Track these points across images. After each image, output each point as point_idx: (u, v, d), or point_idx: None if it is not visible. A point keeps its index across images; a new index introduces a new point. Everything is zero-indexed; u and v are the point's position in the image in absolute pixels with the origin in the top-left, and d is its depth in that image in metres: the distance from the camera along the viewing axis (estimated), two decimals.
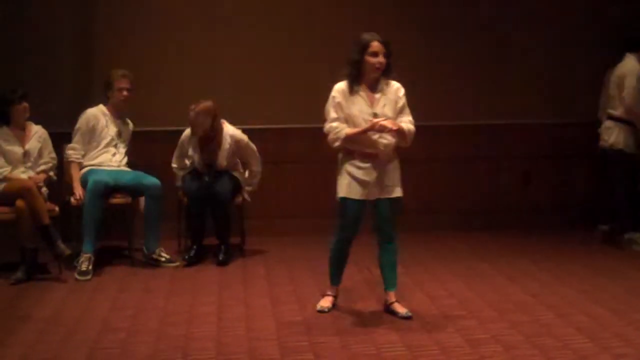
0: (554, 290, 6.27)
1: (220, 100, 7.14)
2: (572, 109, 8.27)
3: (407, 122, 5.46)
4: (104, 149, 7.03)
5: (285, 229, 8.06)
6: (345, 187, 5.46)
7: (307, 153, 8.01)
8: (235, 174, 7.19)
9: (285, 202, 8.12)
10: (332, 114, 5.41)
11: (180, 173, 7.17)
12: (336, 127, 5.39)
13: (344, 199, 5.47)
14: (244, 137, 7.13)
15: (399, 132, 5.39)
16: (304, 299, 6.03)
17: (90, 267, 6.57)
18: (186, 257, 7.01)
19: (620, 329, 5.38)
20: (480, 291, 6.17)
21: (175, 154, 7.18)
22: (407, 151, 5.60)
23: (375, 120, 5.30)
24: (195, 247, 7.07)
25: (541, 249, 7.58)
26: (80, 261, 6.58)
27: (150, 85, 7.62)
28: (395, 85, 5.48)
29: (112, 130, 7.05)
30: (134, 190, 6.92)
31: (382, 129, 5.30)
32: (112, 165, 7.00)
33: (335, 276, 5.79)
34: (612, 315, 5.64)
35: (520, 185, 8.41)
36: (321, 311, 5.69)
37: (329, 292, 5.82)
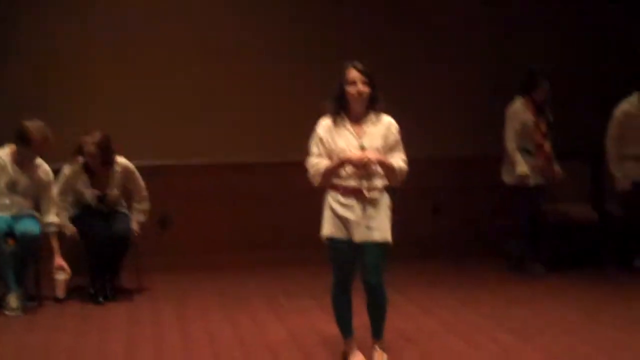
0: (463, 318, 6.31)
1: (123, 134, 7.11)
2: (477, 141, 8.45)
3: (397, 159, 5.07)
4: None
5: (194, 264, 7.98)
6: (328, 225, 5.06)
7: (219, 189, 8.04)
8: (122, 209, 7.10)
9: (196, 236, 8.06)
10: (313, 149, 5.06)
11: (66, 212, 6.95)
12: (316, 164, 5.03)
13: (328, 238, 5.07)
14: (130, 164, 7.03)
15: (386, 168, 5.01)
16: (216, 335, 5.94)
17: (19, 304, 6.50)
18: (100, 299, 6.82)
19: (527, 355, 5.43)
20: (391, 321, 6.12)
21: (59, 189, 6.88)
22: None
23: (353, 154, 4.95)
24: (106, 284, 6.92)
25: (453, 279, 7.64)
26: (8, 299, 6.51)
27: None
28: (387, 119, 5.09)
29: (5, 177, 6.72)
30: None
31: (361, 162, 4.93)
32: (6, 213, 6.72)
33: (345, 328, 5.25)
34: (519, 342, 5.69)
35: (430, 214, 8.51)
36: None
37: (349, 349, 5.26)
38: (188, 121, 7.93)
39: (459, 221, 8.58)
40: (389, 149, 5.08)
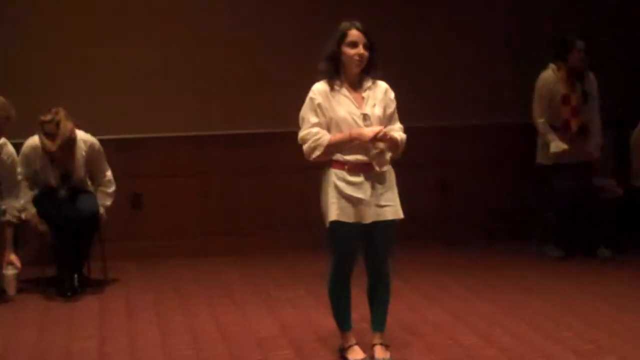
0: (477, 309, 6.38)
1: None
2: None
3: (398, 130, 5.12)
4: None
5: (166, 251, 8.03)
6: (334, 207, 4.99)
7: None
8: (87, 188, 7.12)
9: (168, 219, 8.11)
10: (312, 118, 5.00)
11: (32, 192, 6.97)
12: (316, 133, 4.98)
13: (334, 223, 5.01)
14: (96, 141, 7.05)
15: (393, 141, 5.04)
16: (198, 329, 5.99)
17: None
18: (68, 292, 6.84)
19: (547, 349, 5.48)
20: (393, 311, 6.22)
21: (24, 171, 6.91)
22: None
23: (366, 130, 4.94)
24: (74, 274, 6.95)
25: (460, 263, 7.72)
26: None
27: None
28: (383, 85, 5.14)
29: None
30: None
31: (377, 138, 4.93)
32: None
33: (343, 321, 5.27)
34: (537, 334, 5.75)
35: (437, 192, 8.57)
36: None
37: (347, 343, 5.28)
38: (161, 90, 7.95)
39: (469, 199, 8.65)
40: (388, 118, 5.13)
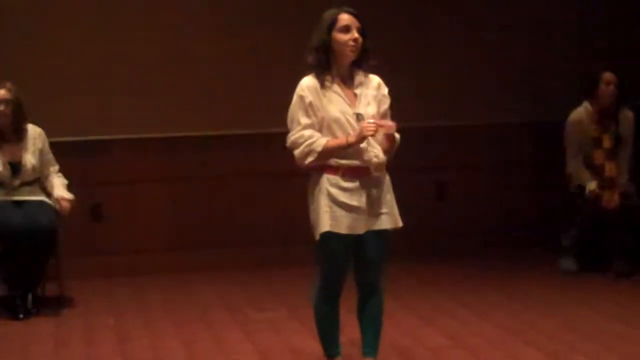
0: (476, 330, 6.43)
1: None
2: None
3: None
4: None
5: (130, 267, 8.06)
6: (326, 217, 4.97)
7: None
8: (41, 196, 7.09)
9: (132, 232, 8.13)
10: (303, 119, 4.98)
11: None
12: (310, 137, 4.95)
13: (327, 235, 5.00)
14: (44, 133, 7.13)
15: (390, 140, 5.06)
16: (166, 356, 6.03)
17: None
18: (20, 314, 6.85)
19: None
20: (385, 335, 6.24)
21: None
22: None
23: (367, 123, 4.92)
24: (29, 296, 6.97)
25: (459, 280, 7.78)
26: None
27: None
28: (375, 80, 5.13)
29: None
30: None
31: (372, 128, 4.89)
32: None
33: (331, 345, 5.27)
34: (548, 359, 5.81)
35: (433, 199, 8.64)
36: None
37: None
38: (123, 88, 7.97)
39: (469, 208, 8.73)
40: (382, 116, 5.12)
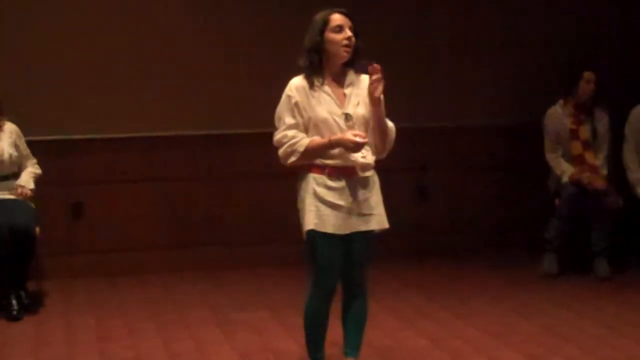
0: (458, 333, 6.43)
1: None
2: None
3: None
4: None
5: (110, 266, 8.04)
6: (313, 216, 5.01)
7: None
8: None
9: (112, 231, 8.10)
10: (288, 118, 5.03)
11: None
12: (293, 137, 5.01)
13: (312, 233, 5.03)
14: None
15: (384, 136, 5.11)
16: (146, 357, 6.02)
17: None
18: (14, 312, 6.84)
19: None
20: (365, 337, 6.18)
21: None
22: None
23: (346, 137, 4.93)
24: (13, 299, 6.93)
25: (441, 282, 7.79)
26: None
27: None
28: (367, 79, 5.08)
29: None
30: None
31: (357, 146, 4.93)
32: None
33: (316, 348, 5.30)
34: None
35: (414, 199, 8.64)
36: None
37: None
38: (103, 86, 7.93)
39: (451, 208, 8.75)
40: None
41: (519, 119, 8.60)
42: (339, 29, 5.01)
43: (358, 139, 4.91)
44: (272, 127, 5.15)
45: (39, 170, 7.18)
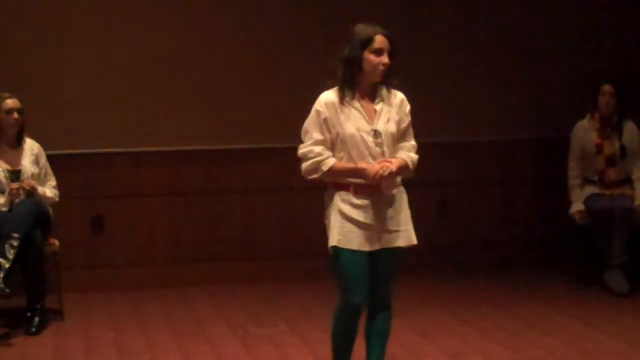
0: (478, 348, 6.37)
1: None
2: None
3: (410, 150, 5.12)
4: None
5: (131, 281, 8.00)
6: (338, 232, 5.00)
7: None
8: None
9: (133, 245, 8.07)
10: (316, 134, 4.99)
11: None
12: (320, 154, 4.97)
13: (336, 249, 5.01)
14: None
15: (404, 170, 5.05)
16: None
17: None
18: (33, 329, 6.79)
19: None
20: (387, 351, 6.15)
21: None
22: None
23: (370, 167, 4.91)
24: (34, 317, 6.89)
25: (461, 297, 7.74)
26: None
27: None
28: (399, 96, 5.12)
29: None
30: None
31: (379, 177, 4.89)
32: None
33: (341, 356, 5.26)
34: None
35: (434, 213, 8.59)
36: None
37: None
38: (125, 101, 7.93)
39: (470, 222, 8.70)
40: (402, 135, 5.12)
41: (541, 133, 8.60)
42: (380, 52, 4.99)
43: (381, 173, 4.87)
44: (294, 142, 5.11)
45: (54, 196, 7.11)
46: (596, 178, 7.89)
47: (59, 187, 7.16)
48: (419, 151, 5.18)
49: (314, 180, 5.03)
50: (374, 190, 4.98)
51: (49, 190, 7.06)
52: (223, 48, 8.10)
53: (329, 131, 4.98)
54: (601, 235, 7.82)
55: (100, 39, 7.90)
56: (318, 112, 5.00)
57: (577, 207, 7.85)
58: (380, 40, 4.99)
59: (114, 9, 7.95)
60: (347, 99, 5.01)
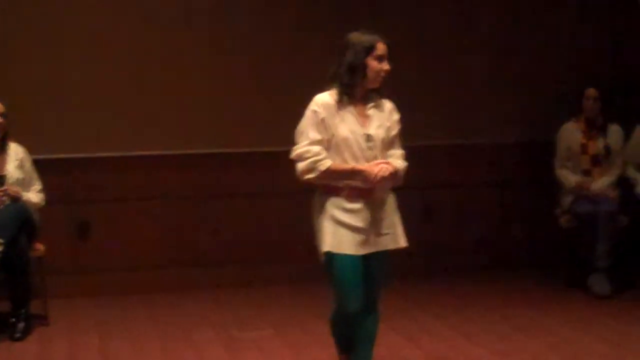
0: (464, 352, 6.36)
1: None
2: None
3: (399, 158, 5.20)
4: None
5: (116, 286, 7.97)
6: (331, 237, 5.04)
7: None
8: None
9: (118, 250, 8.03)
10: (313, 134, 5.03)
11: None
12: (317, 153, 5.02)
13: (329, 255, 5.06)
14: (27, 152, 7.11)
15: (394, 176, 5.10)
16: None
17: None
18: (17, 334, 6.77)
19: None
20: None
21: None
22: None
23: (367, 168, 4.99)
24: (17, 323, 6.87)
25: (447, 301, 7.72)
26: None
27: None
28: (388, 104, 5.24)
29: None
30: None
31: (377, 178, 4.98)
32: None
33: (345, 346, 5.40)
34: None
35: (419, 218, 8.58)
36: None
37: None
38: (109, 105, 7.87)
39: (455, 227, 8.69)
40: (390, 142, 5.21)
41: (529, 136, 8.61)
42: (381, 58, 5.11)
43: (380, 174, 4.96)
44: (279, 146, 5.11)
45: (39, 200, 7.07)
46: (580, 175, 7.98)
47: (45, 191, 7.13)
48: (408, 154, 5.24)
49: (304, 183, 5.05)
50: (366, 193, 5.04)
51: (34, 195, 7.03)
52: (218, 51, 8.06)
53: (326, 131, 5.04)
54: (585, 238, 7.87)
55: (91, 41, 7.84)
56: (315, 112, 5.06)
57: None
58: (381, 47, 5.11)
59: (112, 11, 7.90)
60: (344, 102, 5.07)
